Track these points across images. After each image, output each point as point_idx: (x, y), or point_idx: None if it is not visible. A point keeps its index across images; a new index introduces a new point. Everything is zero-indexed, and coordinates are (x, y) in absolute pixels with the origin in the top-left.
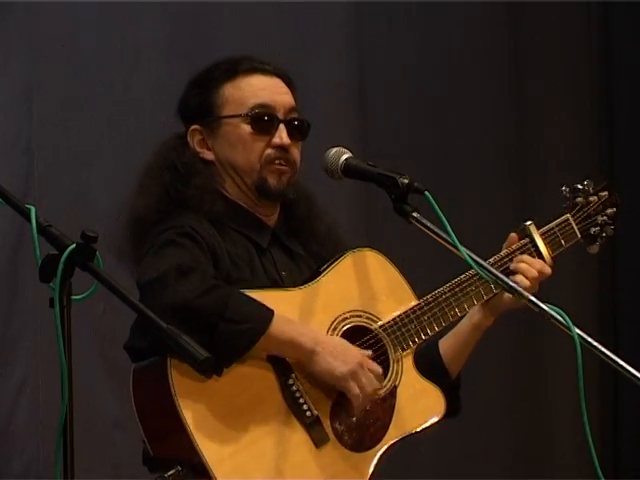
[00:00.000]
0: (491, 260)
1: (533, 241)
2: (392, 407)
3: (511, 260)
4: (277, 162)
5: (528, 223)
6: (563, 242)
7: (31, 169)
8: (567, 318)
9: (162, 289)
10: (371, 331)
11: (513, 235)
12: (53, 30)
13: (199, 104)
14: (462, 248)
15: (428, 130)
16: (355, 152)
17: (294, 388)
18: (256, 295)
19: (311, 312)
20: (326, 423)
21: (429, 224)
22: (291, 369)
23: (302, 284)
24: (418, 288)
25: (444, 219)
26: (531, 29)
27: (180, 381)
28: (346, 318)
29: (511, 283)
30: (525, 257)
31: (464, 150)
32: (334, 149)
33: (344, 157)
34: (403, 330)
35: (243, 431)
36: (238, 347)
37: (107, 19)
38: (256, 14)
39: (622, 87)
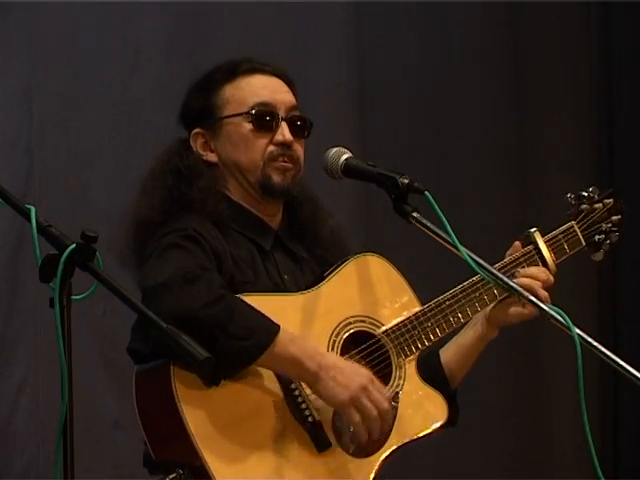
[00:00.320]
0: (495, 267)
1: (537, 248)
2: (394, 413)
3: (515, 267)
4: (280, 159)
5: (533, 230)
6: (567, 249)
7: (31, 169)
8: (567, 318)
9: (166, 295)
10: (374, 336)
11: (517, 243)
12: (53, 30)
13: (200, 107)
14: (462, 248)
15: (428, 130)
16: (355, 152)
17: (297, 393)
18: (259, 299)
19: (314, 317)
20: (328, 428)
21: (429, 224)
22: None
23: (305, 289)
24: (418, 288)
25: (444, 219)
26: (531, 29)
27: (183, 385)
28: (349, 323)
29: (511, 283)
30: (527, 271)
31: (464, 150)
32: (334, 149)
33: (344, 157)
34: (407, 336)
35: (245, 435)
36: (238, 363)
37: (107, 19)
38: (256, 14)
39: (622, 87)
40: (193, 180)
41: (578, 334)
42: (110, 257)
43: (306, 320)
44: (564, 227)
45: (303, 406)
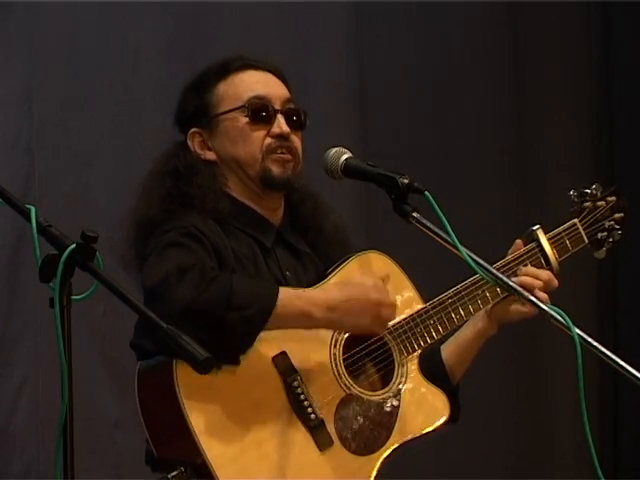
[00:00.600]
0: (497, 265)
1: (540, 246)
2: (396, 411)
3: (518, 264)
4: (279, 151)
5: (535, 227)
6: (570, 247)
7: (31, 169)
8: (567, 318)
9: (166, 293)
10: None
11: (518, 242)
12: (53, 30)
13: (195, 107)
14: (462, 248)
15: (428, 130)
16: (355, 152)
17: (299, 391)
18: None
19: None
20: (330, 426)
21: (429, 224)
22: (296, 371)
23: (307, 287)
24: (418, 288)
25: (444, 219)
26: (531, 29)
27: (185, 383)
28: None
29: (511, 283)
30: (529, 269)
31: (464, 150)
32: (334, 149)
33: (344, 157)
34: (409, 333)
35: (247, 433)
36: (249, 332)
37: (107, 19)
38: (256, 14)
39: (622, 87)
40: (192, 178)
41: (578, 334)
42: (110, 257)
43: None
44: (567, 225)
45: (305, 404)
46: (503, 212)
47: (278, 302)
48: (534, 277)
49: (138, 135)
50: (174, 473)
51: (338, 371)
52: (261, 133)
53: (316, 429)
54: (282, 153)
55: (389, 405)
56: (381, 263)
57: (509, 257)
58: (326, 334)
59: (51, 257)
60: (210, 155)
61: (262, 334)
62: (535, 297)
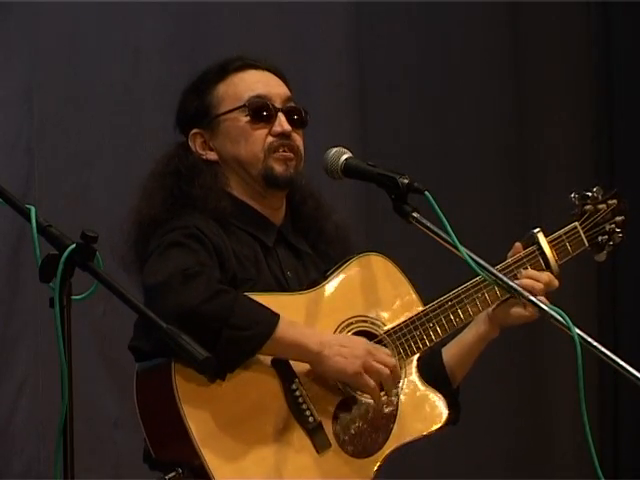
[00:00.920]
0: (497, 267)
1: (540, 248)
2: (394, 413)
3: (518, 267)
4: (281, 150)
5: (536, 230)
6: (570, 250)
7: (31, 169)
8: (567, 318)
9: (167, 294)
10: (376, 336)
11: (518, 245)
12: (53, 30)
13: (196, 109)
14: (462, 248)
15: (428, 130)
16: (355, 152)
17: (297, 394)
18: (261, 299)
19: (316, 317)
20: (328, 429)
21: (429, 224)
22: (295, 374)
23: (308, 288)
24: (418, 288)
25: (444, 219)
26: (531, 29)
27: (184, 385)
28: (351, 323)
29: (511, 283)
30: (530, 272)
31: (464, 150)
32: (334, 149)
33: (344, 157)
34: (408, 336)
35: (245, 435)
36: (242, 353)
37: (107, 19)
38: (256, 14)
39: (622, 87)
40: (194, 178)
41: (578, 334)
42: (110, 257)
43: (308, 320)
44: (567, 228)
45: (304, 406)
46: (503, 212)
47: (276, 330)
48: (535, 280)
49: (138, 135)
50: (171, 475)
51: None
52: (262, 132)
53: (314, 432)
54: (284, 151)
55: (387, 408)
56: (381, 265)
57: (509, 260)
58: (326, 331)
59: (51, 257)
60: (212, 155)
61: None
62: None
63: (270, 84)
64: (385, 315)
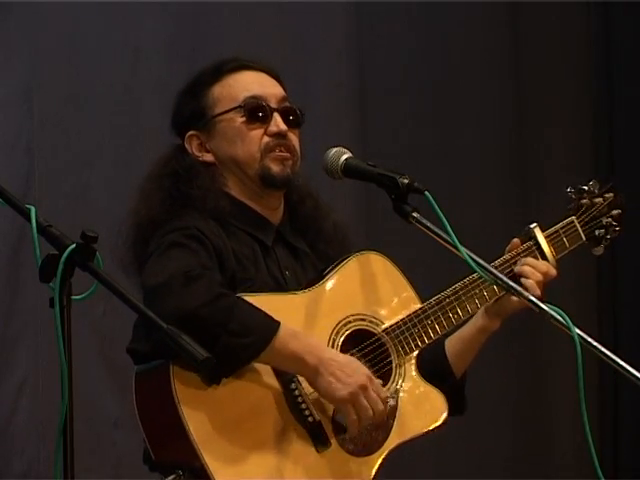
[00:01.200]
0: (495, 263)
1: (537, 243)
2: (394, 411)
3: (515, 263)
4: (277, 149)
5: (533, 225)
6: (567, 244)
7: (31, 169)
8: (567, 318)
9: (167, 295)
10: (374, 335)
11: (516, 240)
12: (53, 30)
13: (192, 110)
14: (462, 248)
15: (428, 130)
16: (355, 152)
17: (296, 393)
18: (260, 299)
19: (314, 316)
20: (328, 428)
21: (429, 224)
22: (294, 374)
23: (306, 287)
24: (418, 288)
25: (444, 219)
26: (531, 29)
27: (183, 386)
28: (350, 322)
29: (511, 283)
30: (529, 260)
31: (464, 150)
32: (334, 149)
33: (344, 157)
34: (407, 334)
35: (245, 436)
36: (239, 360)
37: (107, 19)
38: (256, 14)
39: (622, 87)
40: (192, 179)
41: (578, 334)
42: (110, 257)
43: (306, 319)
44: (564, 222)
45: (303, 406)
46: (503, 212)
47: (275, 339)
48: (533, 267)
49: (138, 135)
50: (171, 477)
51: None
52: (259, 132)
53: (314, 431)
54: (281, 151)
55: (387, 406)
56: (379, 263)
57: (507, 255)
58: (323, 335)
59: (51, 257)
60: (208, 157)
61: None
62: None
63: (265, 84)
64: (383, 313)
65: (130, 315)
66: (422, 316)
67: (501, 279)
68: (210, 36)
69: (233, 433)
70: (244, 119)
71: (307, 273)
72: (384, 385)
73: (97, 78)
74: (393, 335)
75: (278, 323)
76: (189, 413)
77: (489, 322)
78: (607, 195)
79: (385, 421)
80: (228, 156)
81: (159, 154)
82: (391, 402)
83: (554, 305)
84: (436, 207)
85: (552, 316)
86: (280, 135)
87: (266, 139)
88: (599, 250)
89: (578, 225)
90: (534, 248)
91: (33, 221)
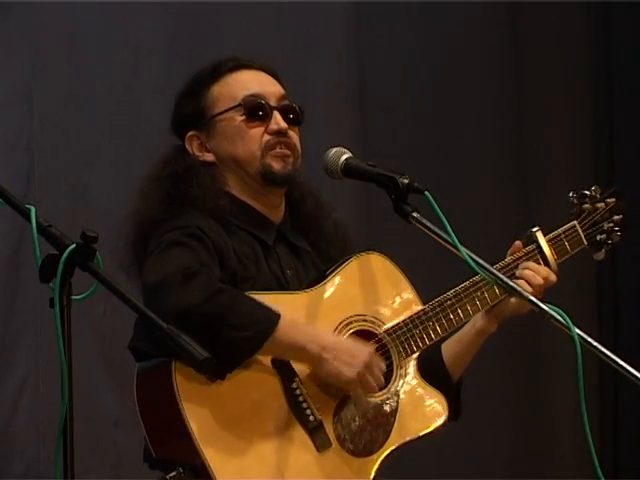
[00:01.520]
0: (497, 266)
1: (539, 247)
2: (395, 412)
3: (517, 267)
4: (278, 147)
5: (535, 229)
6: (569, 249)
7: (31, 169)
8: (567, 318)
9: (167, 293)
10: (376, 335)
11: (518, 243)
12: (53, 30)
13: (191, 111)
14: (462, 248)
15: (428, 130)
16: (355, 152)
17: (297, 392)
18: (261, 298)
19: (316, 316)
20: (329, 428)
21: (429, 224)
22: (295, 373)
23: (307, 287)
24: (418, 288)
25: (444, 219)
26: (531, 29)
27: (184, 384)
28: (351, 322)
29: (511, 283)
30: (530, 264)
31: (464, 150)
32: (334, 149)
33: (344, 157)
34: (408, 335)
35: (246, 434)
36: (241, 354)
37: (107, 19)
38: (256, 14)
39: (622, 87)
40: (192, 178)
41: (578, 334)
42: (110, 257)
43: (308, 319)
44: (566, 226)
45: (304, 405)
46: (503, 212)
47: (276, 331)
48: (534, 272)
49: (138, 135)
50: (172, 474)
51: None
52: (259, 130)
53: (314, 430)
54: (281, 149)
55: (387, 407)
56: (380, 264)
57: (508, 259)
58: (327, 332)
59: (51, 257)
60: (209, 157)
61: None
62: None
63: (264, 83)
64: (385, 314)
65: (130, 315)
66: (423, 317)
67: (501, 279)
68: (210, 36)
69: (234, 431)
70: (244, 118)
71: (308, 272)
72: (384, 386)
73: (97, 78)
74: (394, 336)
75: (278, 314)
76: (190, 410)
77: (488, 324)
78: (609, 200)
79: (385, 421)
80: (228, 155)
81: (159, 154)
82: (391, 403)
83: (554, 305)
84: (436, 207)
85: (552, 316)
86: (280, 133)
87: (266, 137)
88: (600, 255)
89: (580, 230)
90: (536, 252)
91: (33, 221)
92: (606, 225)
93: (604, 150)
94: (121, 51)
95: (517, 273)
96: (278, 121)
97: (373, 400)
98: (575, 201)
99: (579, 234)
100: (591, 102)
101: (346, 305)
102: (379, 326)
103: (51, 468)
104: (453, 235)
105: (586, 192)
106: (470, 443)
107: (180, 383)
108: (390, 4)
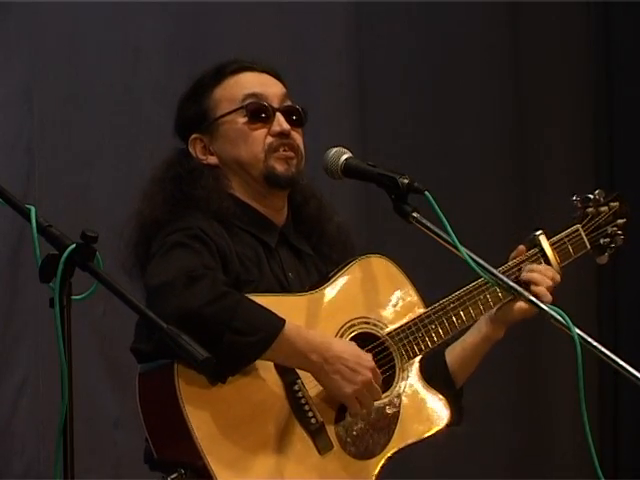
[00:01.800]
0: (500, 269)
1: (542, 251)
2: (397, 415)
3: (520, 270)
4: (281, 149)
5: (538, 233)
6: (572, 252)
7: (31, 169)
8: (567, 318)
9: (170, 295)
10: (378, 338)
11: (521, 247)
12: (53, 30)
13: (194, 114)
14: (462, 248)
15: (428, 130)
16: (355, 152)
17: (299, 394)
18: (264, 300)
19: (318, 318)
20: (330, 430)
21: (429, 224)
22: (297, 375)
23: (310, 289)
24: (418, 289)
25: (444, 219)
26: (531, 29)
27: (187, 386)
28: (354, 325)
29: (511, 283)
30: (536, 266)
31: (464, 150)
32: (334, 149)
33: (344, 157)
34: (410, 338)
35: (247, 436)
36: (243, 358)
37: (107, 19)
38: (256, 14)
39: (622, 87)
40: (195, 181)
41: (578, 334)
42: (110, 257)
43: (310, 321)
44: (569, 230)
45: (306, 408)
46: (503, 212)
47: (280, 337)
48: (542, 274)
49: (138, 135)
50: (174, 475)
51: None
52: (261, 132)
53: (316, 433)
54: (285, 151)
55: (389, 409)
56: (383, 266)
57: (511, 262)
58: (331, 339)
59: (51, 257)
60: (212, 159)
61: None
62: (538, 297)
63: (266, 84)
64: (387, 317)
65: (130, 315)
66: (426, 320)
67: (501, 279)
68: (210, 36)
69: (236, 433)
70: (246, 119)
71: (310, 275)
72: (387, 389)
73: (97, 78)
74: (397, 339)
75: (283, 321)
76: (193, 412)
77: (493, 330)
78: (612, 204)
79: (387, 424)
80: (232, 157)
81: (162, 157)
82: (394, 406)
83: (554, 305)
84: (436, 207)
85: (552, 316)
86: (283, 135)
87: (269, 139)
88: (603, 259)
89: (583, 233)
90: (539, 255)
91: (33, 221)
92: (609, 229)
93: (604, 150)
94: (121, 51)
95: (523, 276)
96: (281, 123)
97: (375, 403)
98: (578, 205)
99: (582, 238)
100: (591, 102)
101: (348, 308)
102: (382, 329)
103: (51, 468)
104: (453, 235)
105: (590, 196)
106: (470, 443)
107: (182, 385)
108: (390, 4)
